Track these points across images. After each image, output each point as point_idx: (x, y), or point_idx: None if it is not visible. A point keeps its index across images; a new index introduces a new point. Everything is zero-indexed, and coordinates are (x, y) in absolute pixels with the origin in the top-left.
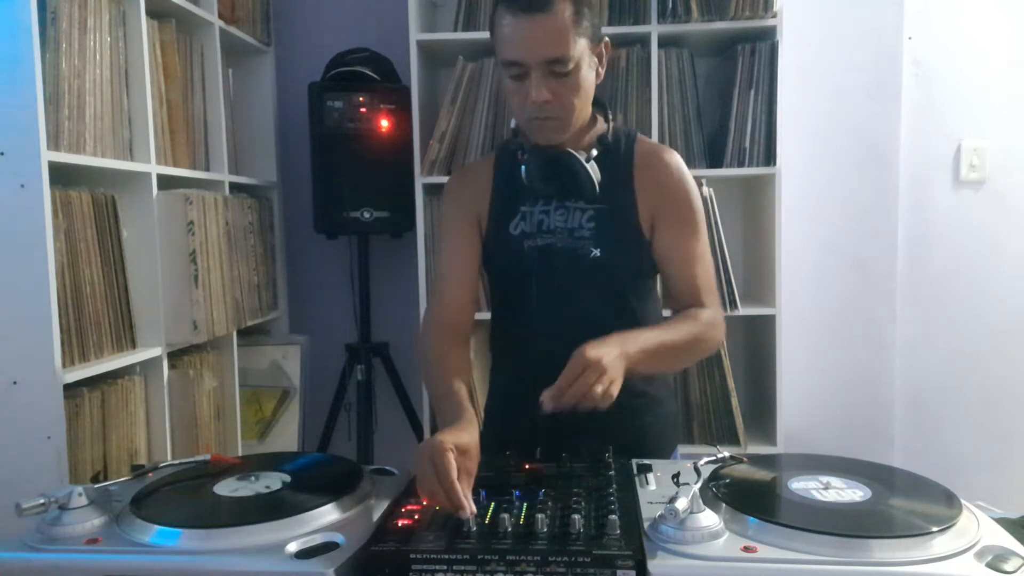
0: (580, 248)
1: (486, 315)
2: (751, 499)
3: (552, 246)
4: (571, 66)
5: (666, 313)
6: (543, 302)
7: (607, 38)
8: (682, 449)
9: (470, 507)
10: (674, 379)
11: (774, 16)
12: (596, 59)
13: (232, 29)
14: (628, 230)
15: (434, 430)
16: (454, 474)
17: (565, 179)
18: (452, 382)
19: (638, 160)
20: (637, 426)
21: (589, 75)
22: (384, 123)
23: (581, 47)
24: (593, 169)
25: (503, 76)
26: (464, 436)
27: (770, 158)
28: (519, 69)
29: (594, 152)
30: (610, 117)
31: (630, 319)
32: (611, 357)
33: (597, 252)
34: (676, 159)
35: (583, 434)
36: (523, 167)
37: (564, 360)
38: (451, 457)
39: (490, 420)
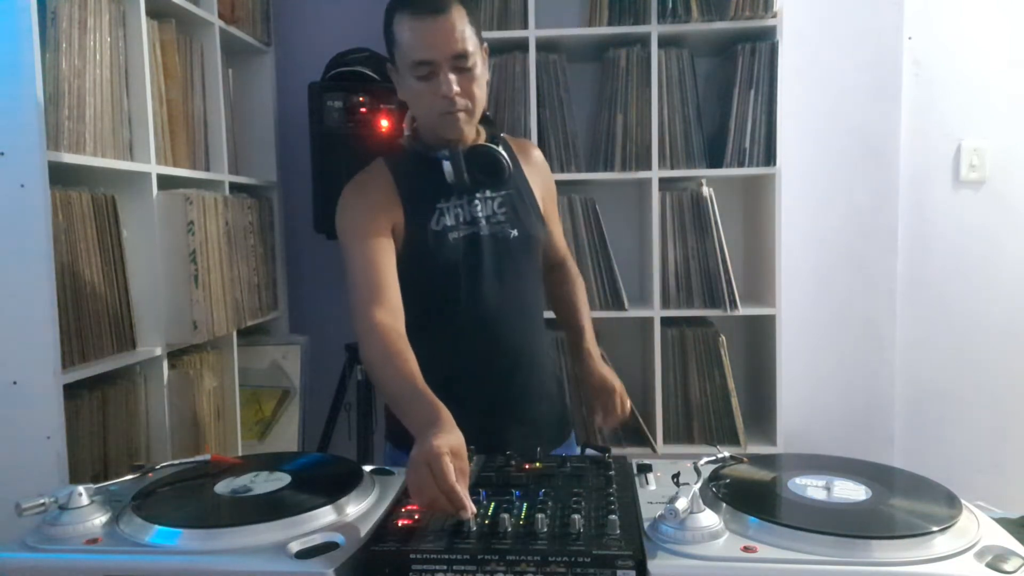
0: (500, 231)
1: None
2: (751, 499)
3: (476, 234)
4: (472, 60)
5: None
6: (475, 288)
7: (486, 43)
8: (682, 449)
9: (471, 507)
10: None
11: (774, 16)
12: (483, 59)
13: (232, 29)
14: (531, 209)
15: None
16: (453, 477)
17: (487, 171)
18: (415, 381)
19: (517, 151)
20: (558, 393)
21: (484, 71)
22: (384, 123)
23: (476, 44)
24: (507, 158)
25: (406, 79)
26: (452, 438)
27: (770, 158)
28: (428, 68)
29: (500, 146)
30: (489, 119)
31: (539, 288)
32: (612, 374)
33: (515, 232)
34: (537, 147)
35: (523, 415)
36: (447, 164)
37: (501, 340)
38: (448, 460)
39: None
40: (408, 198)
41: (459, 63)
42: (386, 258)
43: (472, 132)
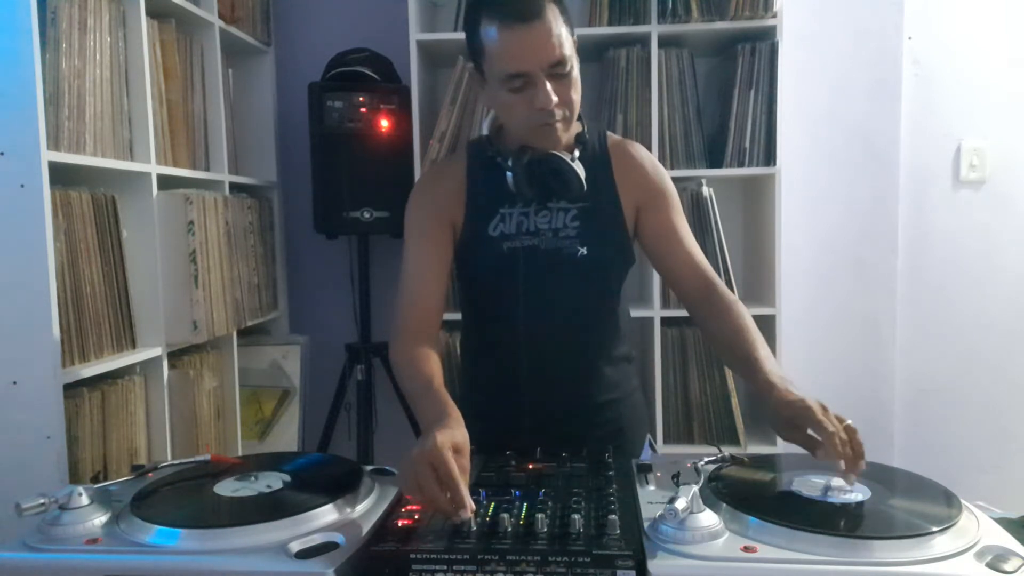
0: (566, 248)
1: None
2: (751, 499)
3: (536, 247)
4: (569, 64)
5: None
6: (526, 303)
7: (575, 35)
8: (682, 449)
9: (471, 505)
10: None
11: (774, 16)
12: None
13: (232, 29)
14: (612, 226)
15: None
16: (456, 474)
17: (553, 182)
18: (430, 380)
19: (613, 156)
20: (613, 418)
21: (578, 71)
22: (384, 123)
23: (571, 45)
24: (579, 168)
25: (496, 91)
26: (457, 435)
27: (770, 158)
28: (523, 80)
29: (576, 152)
30: (581, 115)
31: (612, 315)
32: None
33: (584, 250)
34: (644, 149)
35: (566, 430)
36: (509, 173)
37: (549, 358)
38: (450, 456)
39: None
40: (472, 197)
41: (556, 70)
42: (434, 262)
43: (569, 139)
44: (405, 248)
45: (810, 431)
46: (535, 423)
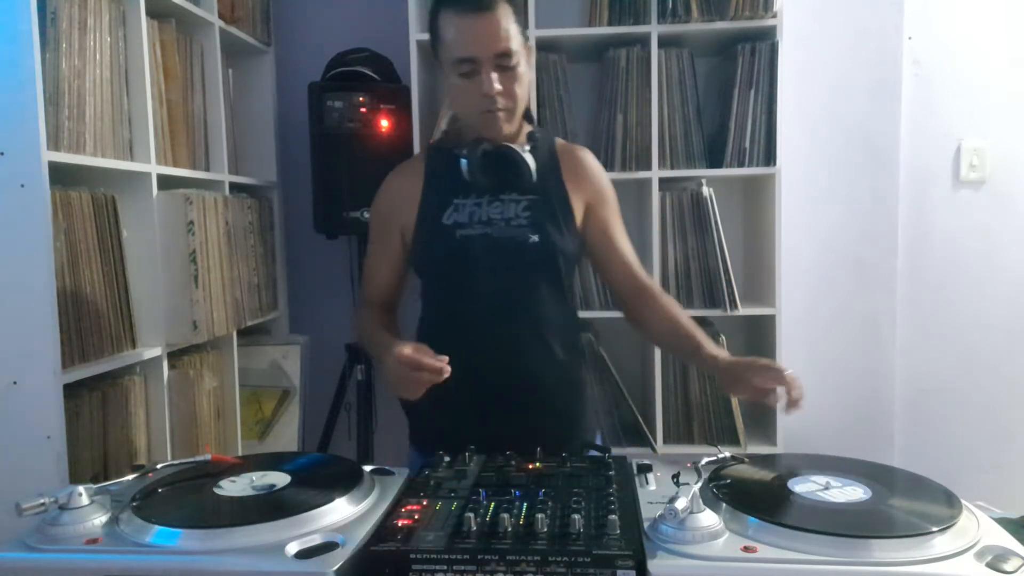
0: (518, 236)
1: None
2: (751, 499)
3: (489, 235)
4: (515, 59)
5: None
6: (480, 290)
7: (530, 41)
8: (682, 449)
9: (441, 360)
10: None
11: (774, 16)
12: (527, 57)
13: (232, 29)
14: (562, 217)
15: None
16: (415, 353)
17: (505, 171)
18: (387, 333)
19: (560, 157)
20: (566, 406)
21: (527, 70)
22: (384, 123)
23: (520, 42)
24: (530, 160)
25: (449, 77)
26: (412, 344)
27: (770, 158)
28: (470, 66)
29: (527, 146)
30: (533, 119)
31: (561, 301)
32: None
33: (535, 238)
34: (591, 153)
35: (522, 418)
36: (464, 161)
37: (503, 344)
38: (407, 347)
39: (426, 410)
40: (428, 191)
41: (502, 62)
42: (386, 257)
43: (513, 131)
44: (367, 247)
45: (755, 380)
46: (492, 411)
